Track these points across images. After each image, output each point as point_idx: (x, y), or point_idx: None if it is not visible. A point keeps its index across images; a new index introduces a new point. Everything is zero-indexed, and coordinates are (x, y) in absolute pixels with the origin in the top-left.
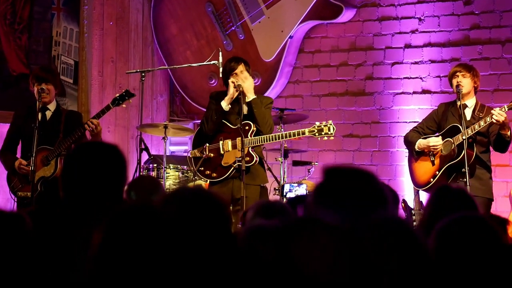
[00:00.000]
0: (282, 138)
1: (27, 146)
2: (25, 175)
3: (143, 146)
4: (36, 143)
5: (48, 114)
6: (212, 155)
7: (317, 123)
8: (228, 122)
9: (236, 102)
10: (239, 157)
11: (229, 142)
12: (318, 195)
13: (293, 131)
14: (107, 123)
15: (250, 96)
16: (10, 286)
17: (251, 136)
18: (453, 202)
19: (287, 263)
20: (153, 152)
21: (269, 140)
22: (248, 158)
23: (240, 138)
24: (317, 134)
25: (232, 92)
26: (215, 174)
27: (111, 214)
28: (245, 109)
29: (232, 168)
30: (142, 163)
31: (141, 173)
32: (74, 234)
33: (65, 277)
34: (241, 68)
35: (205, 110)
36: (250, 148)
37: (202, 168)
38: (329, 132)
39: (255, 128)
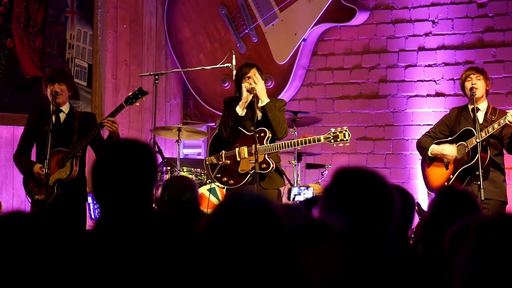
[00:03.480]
0: (297, 145)
1: (42, 149)
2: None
3: (156, 149)
4: (50, 145)
5: (62, 116)
6: (228, 162)
7: (332, 130)
8: (243, 129)
9: (250, 107)
10: (254, 161)
11: (245, 149)
12: (326, 199)
13: (308, 138)
14: (121, 125)
15: (264, 99)
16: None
17: (266, 143)
18: (457, 203)
19: (292, 265)
20: (166, 155)
21: (285, 147)
22: (264, 165)
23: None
24: (332, 140)
25: (246, 96)
26: (232, 181)
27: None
28: (259, 114)
29: (249, 175)
30: None
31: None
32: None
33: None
34: (253, 71)
35: (218, 112)
36: (266, 155)
37: (219, 175)
38: (345, 139)
39: (270, 135)
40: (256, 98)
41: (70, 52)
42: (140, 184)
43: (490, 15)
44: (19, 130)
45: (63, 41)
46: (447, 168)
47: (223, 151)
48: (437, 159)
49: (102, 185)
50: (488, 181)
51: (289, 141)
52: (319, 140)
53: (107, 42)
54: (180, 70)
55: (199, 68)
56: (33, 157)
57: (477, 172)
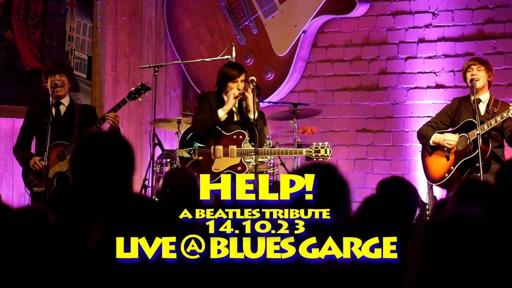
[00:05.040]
0: (276, 154)
1: (41, 141)
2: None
3: (156, 141)
4: (50, 138)
5: (62, 109)
6: (201, 158)
7: (314, 144)
8: (220, 128)
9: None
10: (254, 161)
11: (221, 149)
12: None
13: (290, 149)
14: (120, 117)
15: (252, 117)
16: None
17: (244, 146)
18: (479, 195)
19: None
20: (166, 147)
21: (264, 154)
22: (240, 168)
23: (233, 146)
24: (313, 155)
25: (232, 102)
26: None
27: (109, 209)
28: (236, 116)
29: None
30: (155, 158)
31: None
32: (77, 227)
33: (68, 271)
34: (242, 77)
35: None
36: (242, 158)
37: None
38: (325, 154)
39: (248, 137)
40: (247, 100)
41: (70, 44)
42: (117, 176)
43: (491, 6)
44: (19, 122)
45: (63, 33)
46: (448, 159)
47: (196, 147)
48: (439, 149)
49: (81, 177)
50: (489, 173)
51: (268, 149)
52: (300, 152)
53: (106, 34)
54: (180, 62)
55: (199, 60)
56: (33, 150)
57: (477, 164)
